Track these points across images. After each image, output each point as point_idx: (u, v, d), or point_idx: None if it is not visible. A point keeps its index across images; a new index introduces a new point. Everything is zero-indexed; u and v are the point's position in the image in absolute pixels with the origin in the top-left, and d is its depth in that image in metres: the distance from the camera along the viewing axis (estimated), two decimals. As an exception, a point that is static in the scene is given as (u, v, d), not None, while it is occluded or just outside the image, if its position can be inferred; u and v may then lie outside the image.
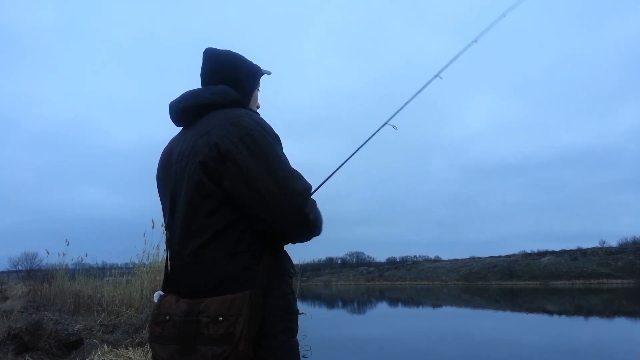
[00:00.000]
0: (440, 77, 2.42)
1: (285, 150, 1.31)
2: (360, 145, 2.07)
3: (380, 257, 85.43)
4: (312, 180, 1.67)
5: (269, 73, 1.58)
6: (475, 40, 2.60)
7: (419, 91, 2.33)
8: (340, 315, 18.00)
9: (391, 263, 78.79)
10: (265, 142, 1.24)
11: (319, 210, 1.32)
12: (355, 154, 2.05)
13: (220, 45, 1.51)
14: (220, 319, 1.13)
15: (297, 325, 1.30)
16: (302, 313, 1.38)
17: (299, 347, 1.31)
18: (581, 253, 54.47)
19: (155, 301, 1.32)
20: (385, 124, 2.16)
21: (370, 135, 2.12)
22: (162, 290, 1.34)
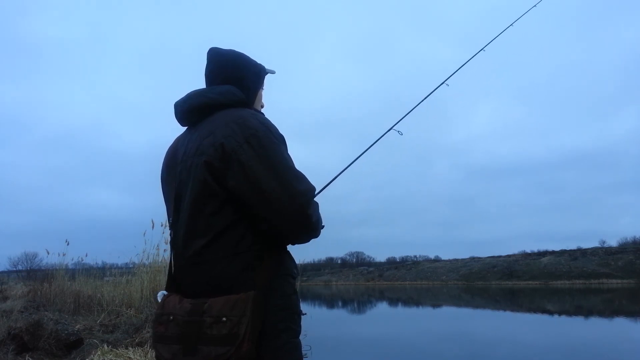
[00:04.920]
0: (447, 85, 2.44)
1: (295, 153, 1.31)
2: (365, 150, 2.09)
3: (380, 257, 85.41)
4: (319, 182, 1.66)
5: (273, 72, 1.57)
6: (484, 49, 2.62)
7: (425, 98, 2.35)
8: (340, 315, 17.99)
9: (391, 263, 78.70)
10: (270, 143, 1.24)
11: (319, 213, 1.33)
12: (360, 157, 2.07)
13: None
14: (224, 319, 1.13)
15: (299, 326, 1.30)
16: (305, 314, 1.38)
17: (301, 348, 1.31)
18: (581, 253, 54.38)
19: (159, 301, 1.32)
20: (391, 129, 2.17)
21: (374, 140, 2.13)
22: (166, 290, 1.34)
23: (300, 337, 1.31)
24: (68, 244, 9.63)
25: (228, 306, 1.15)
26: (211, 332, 1.14)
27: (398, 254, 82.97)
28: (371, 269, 74.41)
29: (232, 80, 1.41)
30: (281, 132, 1.32)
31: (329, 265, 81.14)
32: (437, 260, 70.90)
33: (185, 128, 1.44)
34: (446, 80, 2.45)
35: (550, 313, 16.72)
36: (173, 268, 1.34)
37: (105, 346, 5.32)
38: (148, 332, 5.83)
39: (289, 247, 1.36)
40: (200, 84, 1.49)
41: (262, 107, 1.55)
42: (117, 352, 5.05)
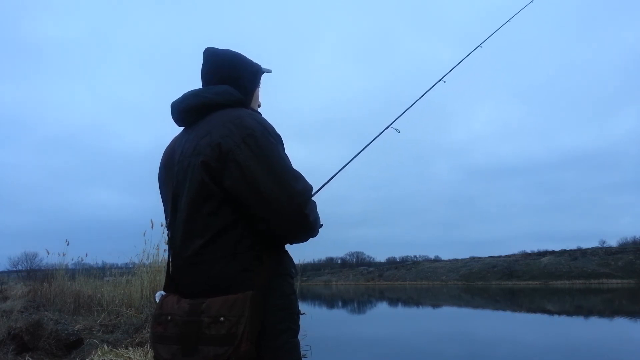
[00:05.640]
0: (445, 82, 2.43)
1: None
2: (362, 148, 2.07)
3: (380, 257, 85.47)
4: (320, 182, 1.66)
5: (269, 71, 1.57)
6: (481, 46, 2.62)
7: (423, 95, 2.35)
8: (340, 315, 17.99)
9: (391, 263, 78.73)
10: (267, 142, 1.24)
11: (317, 212, 1.33)
12: (359, 156, 2.05)
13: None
14: (222, 319, 1.13)
15: (298, 326, 1.30)
16: (303, 313, 1.38)
17: (300, 347, 1.31)
18: (581, 253, 54.40)
19: (157, 301, 1.32)
20: (388, 127, 2.16)
21: (372, 139, 2.12)
22: (164, 290, 1.34)
23: (300, 337, 1.31)
24: (68, 244, 9.66)
25: (226, 306, 1.15)
26: (210, 332, 1.14)
27: (398, 254, 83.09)
28: (371, 269, 74.41)
29: (229, 80, 1.41)
30: (282, 132, 1.32)
31: (329, 265, 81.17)
32: (437, 260, 70.92)
33: (182, 128, 1.43)
34: (444, 77, 2.45)
35: (550, 313, 16.72)
36: (171, 268, 1.33)
37: (105, 346, 5.32)
38: (148, 332, 5.83)
39: (288, 247, 1.36)
40: (200, 83, 1.49)
41: (259, 106, 1.55)
42: (117, 352, 5.05)
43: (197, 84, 1.48)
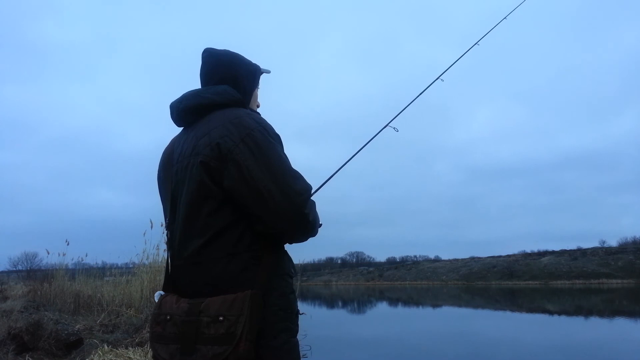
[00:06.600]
0: (442, 80, 2.43)
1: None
2: (361, 147, 2.07)
3: (380, 257, 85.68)
4: (319, 182, 1.65)
5: (268, 72, 1.57)
6: (478, 44, 2.62)
7: (421, 93, 2.35)
8: (340, 315, 17.99)
9: (391, 263, 78.83)
10: (266, 142, 1.24)
11: (316, 212, 1.32)
12: (360, 157, 2.05)
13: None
14: (221, 318, 1.13)
15: (297, 325, 1.30)
16: (302, 313, 1.38)
17: (299, 347, 1.31)
18: (581, 253, 54.47)
19: (156, 301, 1.32)
20: (387, 126, 2.16)
21: (370, 138, 2.11)
22: (163, 290, 1.34)
23: (300, 337, 1.31)
24: (68, 244, 9.64)
25: (225, 306, 1.14)
26: (209, 332, 1.13)
27: (398, 254, 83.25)
28: (371, 269, 74.46)
29: (228, 80, 1.41)
30: (283, 132, 1.32)
31: (329, 265, 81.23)
32: (437, 260, 70.98)
33: (182, 128, 1.43)
34: (441, 75, 2.45)
35: (550, 313, 16.72)
36: (170, 268, 1.34)
37: (105, 346, 5.32)
38: (148, 332, 5.83)
39: (287, 247, 1.36)
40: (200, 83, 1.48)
41: (257, 106, 1.55)
42: (117, 352, 5.05)
43: (199, 84, 1.48)
